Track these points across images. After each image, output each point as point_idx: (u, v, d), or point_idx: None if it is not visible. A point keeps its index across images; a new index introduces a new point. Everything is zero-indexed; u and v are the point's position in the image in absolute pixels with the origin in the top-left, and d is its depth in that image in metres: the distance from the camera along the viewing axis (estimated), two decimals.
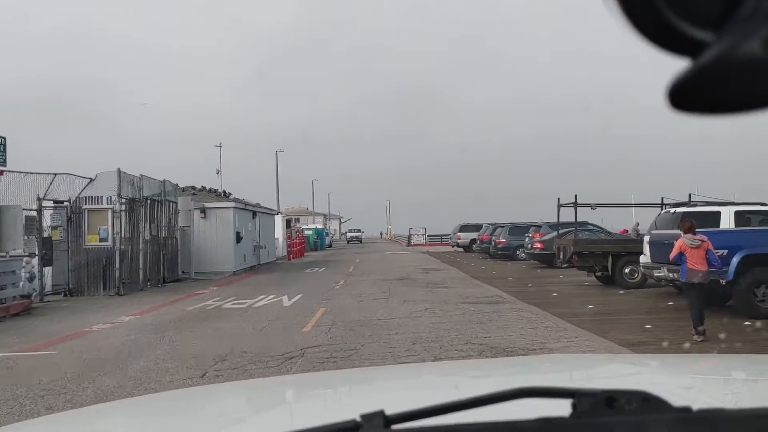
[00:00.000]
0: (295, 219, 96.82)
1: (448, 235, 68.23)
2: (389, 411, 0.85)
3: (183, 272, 22.77)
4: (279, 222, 39.81)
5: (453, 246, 46.43)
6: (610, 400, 0.84)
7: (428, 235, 69.04)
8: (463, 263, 29.85)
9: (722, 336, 8.71)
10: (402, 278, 21.06)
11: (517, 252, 31.84)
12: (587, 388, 0.88)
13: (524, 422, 0.82)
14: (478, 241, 36.48)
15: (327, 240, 63.70)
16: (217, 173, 34.80)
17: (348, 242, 77.47)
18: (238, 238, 25.46)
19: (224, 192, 27.29)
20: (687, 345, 8.28)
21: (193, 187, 26.16)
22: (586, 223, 29.24)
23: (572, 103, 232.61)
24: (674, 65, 0.50)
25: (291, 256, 39.58)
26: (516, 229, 32.46)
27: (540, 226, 28.34)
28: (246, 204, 27.47)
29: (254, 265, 28.34)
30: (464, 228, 44.85)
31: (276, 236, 38.69)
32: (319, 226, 62.18)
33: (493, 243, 32.83)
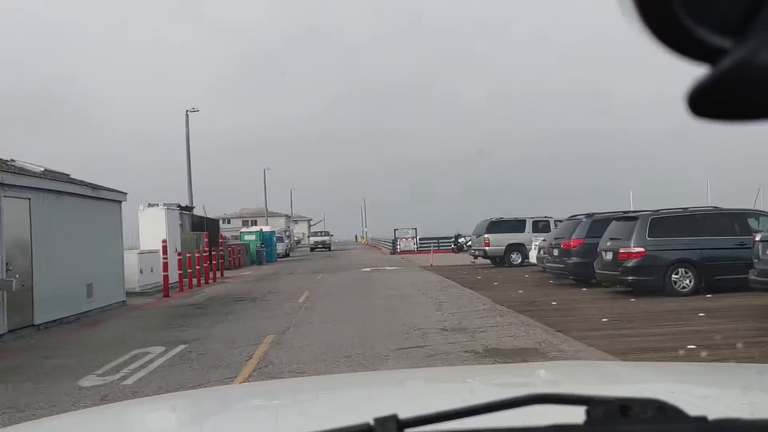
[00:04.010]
0: (252, 221, 78.10)
1: (448, 238, 49.21)
2: (402, 415, 0.83)
3: None
4: (157, 219, 21.04)
5: (474, 257, 27.79)
6: (624, 408, 0.81)
7: (420, 239, 50.97)
8: (569, 315, 11.41)
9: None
10: None
11: (673, 277, 13.75)
12: (602, 395, 0.85)
13: (537, 429, 0.79)
14: (556, 251, 17.88)
15: (281, 247, 44.89)
16: None
17: (312, 250, 58.49)
18: None
19: None
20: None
21: None
22: None
23: (547, 97, 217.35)
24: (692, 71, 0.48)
25: (191, 282, 20.94)
26: (665, 223, 14.30)
27: None
28: None
29: None
30: (495, 227, 26.32)
31: (151, 247, 20.04)
32: (267, 229, 43.21)
33: (604, 258, 14.56)
